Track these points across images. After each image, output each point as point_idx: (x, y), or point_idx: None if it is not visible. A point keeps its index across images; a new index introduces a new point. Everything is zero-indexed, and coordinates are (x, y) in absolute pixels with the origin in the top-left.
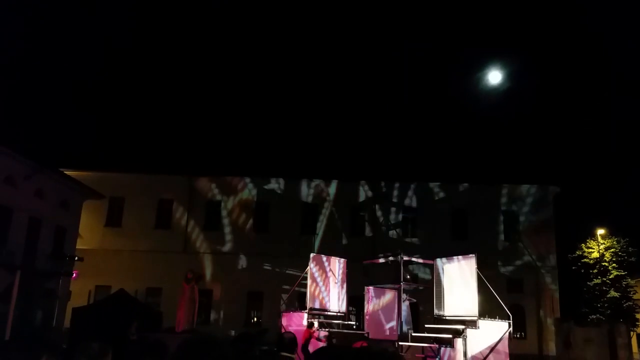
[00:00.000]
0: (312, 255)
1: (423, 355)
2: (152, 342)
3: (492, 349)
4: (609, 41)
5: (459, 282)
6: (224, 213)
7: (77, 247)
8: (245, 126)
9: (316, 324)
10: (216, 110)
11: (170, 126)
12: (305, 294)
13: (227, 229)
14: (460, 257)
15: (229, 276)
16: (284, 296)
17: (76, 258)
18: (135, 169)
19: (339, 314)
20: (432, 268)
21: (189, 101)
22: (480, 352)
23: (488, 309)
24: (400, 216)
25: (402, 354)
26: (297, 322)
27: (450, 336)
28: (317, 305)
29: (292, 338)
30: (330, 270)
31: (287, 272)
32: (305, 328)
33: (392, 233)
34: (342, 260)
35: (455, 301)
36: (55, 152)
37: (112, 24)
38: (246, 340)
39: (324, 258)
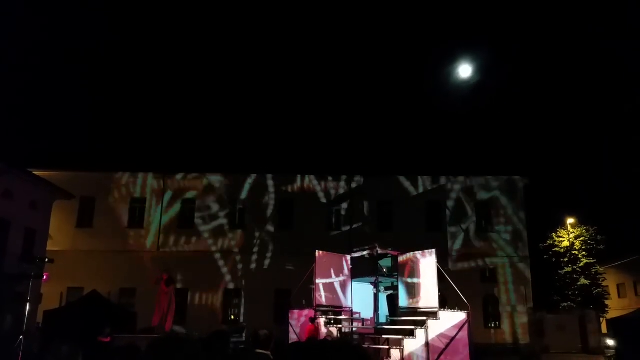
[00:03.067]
0: (317, 252)
1: (388, 347)
2: (124, 344)
3: (452, 338)
4: (574, 33)
5: (421, 276)
6: (198, 211)
7: (47, 248)
8: (217, 123)
9: (323, 320)
10: (189, 107)
11: (141, 123)
12: (310, 290)
13: (203, 227)
14: (422, 251)
15: (205, 275)
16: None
17: (47, 260)
18: (105, 168)
19: (346, 309)
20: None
21: (160, 98)
22: (441, 342)
23: (458, 301)
24: (375, 210)
25: (380, 346)
26: (305, 319)
27: (412, 327)
28: (324, 302)
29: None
30: (335, 266)
31: (265, 269)
32: (308, 323)
33: (368, 226)
34: (347, 256)
35: (418, 294)
36: (24, 151)
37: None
38: (220, 338)
39: (328, 255)
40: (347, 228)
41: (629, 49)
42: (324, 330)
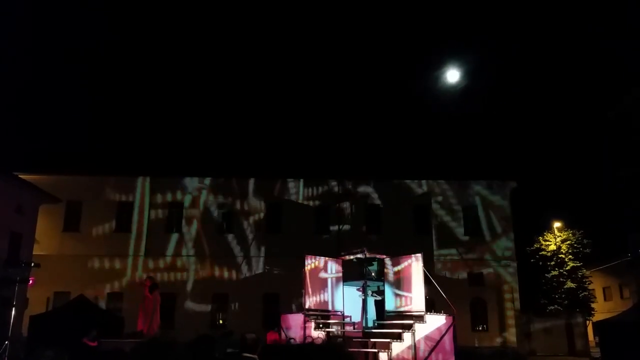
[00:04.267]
0: (307, 256)
1: (376, 350)
2: (110, 349)
3: (438, 341)
4: (562, 38)
5: (408, 280)
6: (186, 215)
7: (33, 252)
8: (206, 125)
9: (313, 325)
10: (178, 109)
11: (129, 125)
12: (300, 294)
13: (191, 232)
14: (408, 255)
15: (193, 279)
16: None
17: (33, 264)
18: (92, 171)
19: (336, 313)
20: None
21: (146, 99)
22: (427, 345)
23: (445, 304)
24: (364, 213)
25: (368, 349)
26: (294, 323)
27: (399, 331)
28: (314, 306)
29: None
30: (325, 270)
31: (253, 273)
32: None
33: (356, 230)
34: (337, 260)
35: (406, 297)
36: (8, 155)
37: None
38: (206, 342)
39: (318, 258)
40: (335, 231)
41: (629, 49)
42: (313, 334)
